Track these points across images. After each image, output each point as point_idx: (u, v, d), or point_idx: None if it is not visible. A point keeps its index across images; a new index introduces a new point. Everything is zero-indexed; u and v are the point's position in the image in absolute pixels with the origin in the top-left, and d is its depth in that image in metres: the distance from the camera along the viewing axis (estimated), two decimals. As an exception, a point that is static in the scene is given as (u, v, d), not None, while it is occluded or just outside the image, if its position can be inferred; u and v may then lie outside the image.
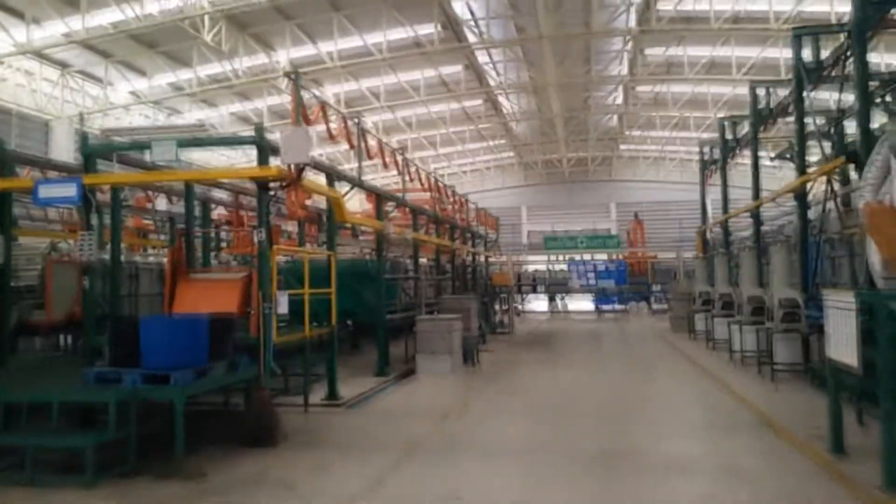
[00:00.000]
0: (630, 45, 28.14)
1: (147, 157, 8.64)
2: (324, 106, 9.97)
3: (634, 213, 41.45)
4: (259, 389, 8.39)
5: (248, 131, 30.59)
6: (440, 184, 18.95)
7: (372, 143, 13.16)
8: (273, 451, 7.82)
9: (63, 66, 24.90)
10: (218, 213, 16.52)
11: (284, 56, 25.12)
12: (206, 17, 21.52)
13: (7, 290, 9.33)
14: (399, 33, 24.46)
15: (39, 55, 23.36)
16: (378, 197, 13.41)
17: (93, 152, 9.08)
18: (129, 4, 19.41)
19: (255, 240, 8.65)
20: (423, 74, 28.63)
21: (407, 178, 14.76)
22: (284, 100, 27.36)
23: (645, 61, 30.11)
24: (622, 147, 47.66)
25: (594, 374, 14.69)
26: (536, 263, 41.99)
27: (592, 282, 35.24)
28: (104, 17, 20.32)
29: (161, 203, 19.65)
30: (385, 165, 13.40)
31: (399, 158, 14.16)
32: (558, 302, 38.02)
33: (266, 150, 8.66)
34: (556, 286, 36.55)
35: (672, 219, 44.85)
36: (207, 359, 7.54)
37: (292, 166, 8.58)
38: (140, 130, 9.11)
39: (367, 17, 23.56)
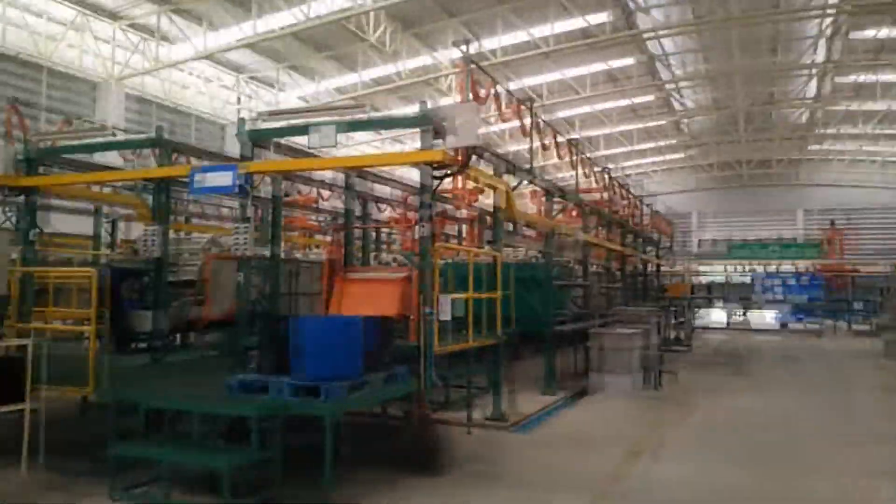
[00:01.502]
0: (830, 27, 24.60)
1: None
2: (496, 84, 8.76)
3: (831, 221, 36.74)
4: (420, 406, 7.27)
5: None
6: (615, 182, 17.15)
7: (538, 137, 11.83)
8: (438, 482, 6.64)
9: (238, 71, 25.90)
10: (387, 214, 15.97)
11: (448, 55, 24.44)
12: (372, 16, 21.29)
13: (164, 285, 8.95)
14: (567, 25, 22.91)
15: (216, 60, 24.38)
16: (548, 193, 11.98)
17: (252, 139, 8.44)
18: (298, 6, 19.48)
19: (417, 235, 7.55)
20: (590, 69, 26.85)
21: (580, 173, 13.21)
22: (446, 102, 26.79)
23: (849, 45, 26.24)
24: (812, 147, 42.73)
25: (810, 405, 12.15)
26: (710, 274, 38.48)
27: (780, 295, 31.40)
28: (276, 21, 20.62)
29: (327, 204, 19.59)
30: (559, 156, 11.98)
31: (574, 152, 12.65)
32: (738, 316, 34.48)
33: (431, 131, 7.55)
34: (736, 299, 33.04)
35: (874, 227, 39.46)
36: (363, 368, 6.50)
37: (460, 149, 7.40)
38: (297, 113, 8.31)
39: (533, 8, 22.26)
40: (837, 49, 26.39)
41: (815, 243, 34.47)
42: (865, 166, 42.54)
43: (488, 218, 18.01)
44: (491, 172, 9.81)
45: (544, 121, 10.95)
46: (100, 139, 9.40)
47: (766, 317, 34.46)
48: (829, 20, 23.96)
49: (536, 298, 12.20)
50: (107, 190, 14.00)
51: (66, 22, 20.19)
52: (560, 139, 12.01)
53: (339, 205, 19.01)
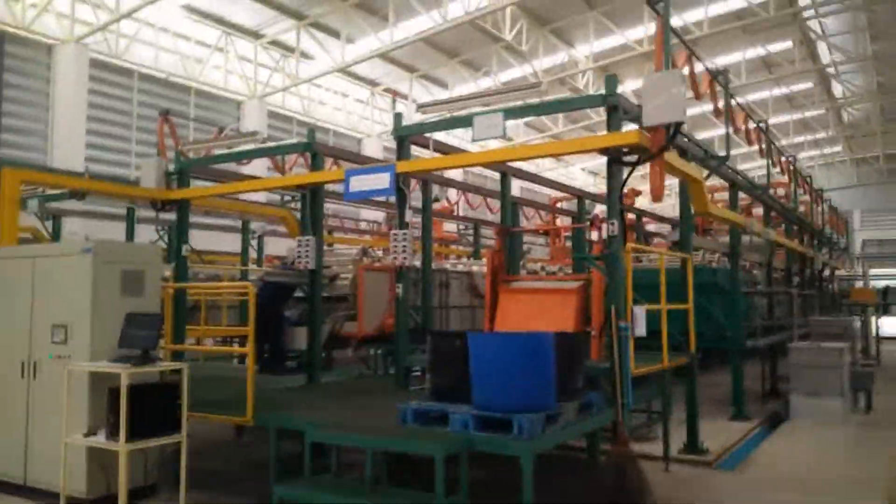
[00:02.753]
0: None
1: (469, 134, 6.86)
2: (691, 54, 7.43)
3: None
4: (620, 441, 6.05)
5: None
6: (798, 173, 15.09)
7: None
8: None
9: (372, 84, 25.81)
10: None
11: (586, 50, 23.08)
12: (508, 13, 20.36)
13: (319, 298, 8.28)
14: (720, 7, 20.96)
15: (350, 74, 24.37)
16: (733, 185, 10.39)
17: (407, 134, 7.62)
18: (434, 8, 18.82)
19: (606, 234, 6.37)
20: (745, 55, 24.50)
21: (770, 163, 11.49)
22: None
23: None
24: None
25: None
26: (877, 278, 34.39)
27: (975, 300, 27.16)
28: (410, 28, 20.10)
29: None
30: (749, 141, 10.38)
31: (764, 139, 10.98)
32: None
33: (619, 110, 6.37)
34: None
35: None
36: (557, 395, 5.39)
37: (658, 129, 6.16)
38: (456, 103, 7.38)
39: (682, -6, 20.49)
40: None
41: None
42: None
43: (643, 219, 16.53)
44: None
45: (737, 102, 9.42)
46: (250, 146, 8.96)
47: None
48: None
49: (720, 308, 10.64)
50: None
51: (210, 43, 20.75)
52: (751, 124, 10.39)
53: (470, 213, 18.29)
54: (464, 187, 11.85)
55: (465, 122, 7.03)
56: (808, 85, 29.49)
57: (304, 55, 22.09)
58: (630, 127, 6.54)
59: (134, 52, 19.17)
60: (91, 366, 5.72)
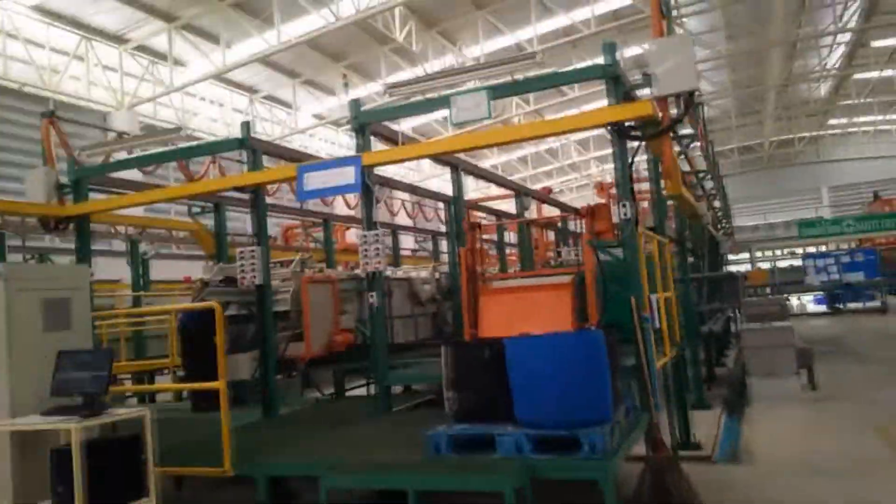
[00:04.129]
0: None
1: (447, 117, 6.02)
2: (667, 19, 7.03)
3: (874, 193, 35.25)
4: (659, 445, 5.43)
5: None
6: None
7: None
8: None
9: (251, 91, 24.19)
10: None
11: (476, 51, 22.82)
12: (398, 13, 19.65)
13: (269, 318, 7.11)
14: (601, 6, 21.48)
15: (228, 81, 22.69)
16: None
17: (368, 122, 6.66)
18: (326, 6, 17.72)
19: (619, 216, 5.78)
20: (624, 55, 25.30)
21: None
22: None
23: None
24: (831, 122, 41.61)
25: None
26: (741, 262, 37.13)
27: (836, 276, 29.60)
28: (294, 30, 18.84)
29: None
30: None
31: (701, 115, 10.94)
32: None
33: (621, 81, 5.81)
34: (787, 285, 31.27)
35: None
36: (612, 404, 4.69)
37: (667, 99, 5.65)
38: (425, 82, 6.53)
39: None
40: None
41: (891, 214, 31.91)
42: (892, 135, 41.36)
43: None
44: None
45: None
46: (170, 147, 7.59)
47: (809, 301, 32.73)
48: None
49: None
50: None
51: (68, 51, 18.44)
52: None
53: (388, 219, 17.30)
54: (407, 188, 10.89)
55: (441, 103, 6.21)
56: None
57: (177, 61, 20.20)
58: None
59: (-24, 59, 16.62)
60: (25, 423, 4.32)
